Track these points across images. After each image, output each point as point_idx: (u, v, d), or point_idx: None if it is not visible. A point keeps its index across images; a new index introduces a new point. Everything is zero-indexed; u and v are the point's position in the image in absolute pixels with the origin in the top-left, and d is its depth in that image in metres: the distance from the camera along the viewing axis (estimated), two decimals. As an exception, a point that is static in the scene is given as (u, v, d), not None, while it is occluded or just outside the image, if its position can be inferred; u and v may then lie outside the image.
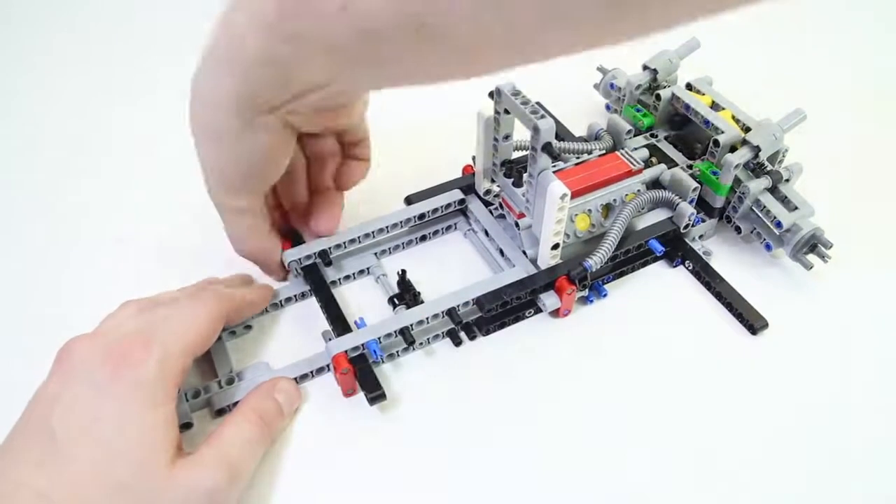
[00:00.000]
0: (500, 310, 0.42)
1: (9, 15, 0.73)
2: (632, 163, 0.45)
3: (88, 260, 0.48)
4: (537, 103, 0.39)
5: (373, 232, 0.45)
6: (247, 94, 0.32)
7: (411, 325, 0.40)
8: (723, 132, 0.46)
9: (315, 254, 0.43)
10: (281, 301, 0.44)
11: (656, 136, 0.52)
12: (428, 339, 0.42)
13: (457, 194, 0.47)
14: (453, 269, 0.46)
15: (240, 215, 0.40)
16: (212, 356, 0.41)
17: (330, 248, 0.44)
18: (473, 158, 0.48)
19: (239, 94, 0.32)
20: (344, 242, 0.44)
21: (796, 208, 0.45)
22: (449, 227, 0.49)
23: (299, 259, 0.43)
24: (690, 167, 0.49)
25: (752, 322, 0.43)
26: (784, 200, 0.45)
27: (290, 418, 0.38)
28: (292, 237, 0.45)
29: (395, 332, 0.40)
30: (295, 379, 0.39)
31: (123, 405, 0.31)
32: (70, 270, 0.47)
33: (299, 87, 0.32)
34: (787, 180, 0.46)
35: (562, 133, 0.53)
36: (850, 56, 0.67)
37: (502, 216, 0.46)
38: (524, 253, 0.44)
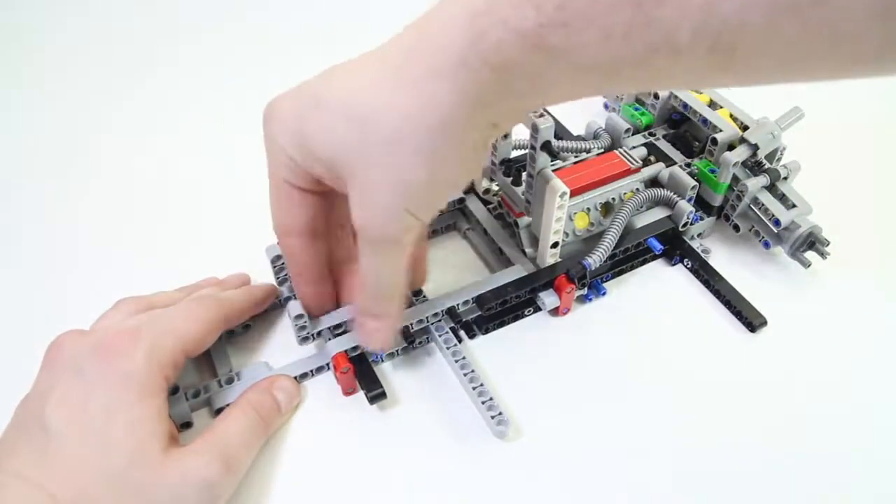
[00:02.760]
0: (499, 308, 0.42)
1: (9, 16, 0.73)
2: (630, 161, 0.45)
3: (87, 258, 0.48)
4: (536, 102, 0.39)
5: (372, 231, 0.45)
6: (477, 100, 0.27)
7: (411, 324, 0.40)
8: (721, 130, 0.47)
9: None
10: (280, 300, 0.44)
11: (654, 135, 0.52)
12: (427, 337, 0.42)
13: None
14: (452, 269, 0.46)
15: (404, 248, 0.32)
16: (211, 356, 0.40)
17: None
18: (472, 157, 0.48)
19: (469, 99, 0.27)
20: (343, 242, 0.44)
21: (794, 206, 0.45)
22: (448, 227, 0.49)
23: None
24: (689, 165, 0.49)
25: (750, 320, 0.43)
26: (782, 198, 0.46)
27: (289, 416, 0.39)
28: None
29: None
30: (295, 378, 0.39)
31: (112, 396, 0.31)
32: (69, 268, 0.47)
33: (533, 100, 0.28)
34: (785, 178, 0.46)
35: (560, 132, 0.53)
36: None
37: (501, 215, 0.46)
38: (523, 252, 0.44)
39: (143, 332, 0.33)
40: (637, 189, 0.45)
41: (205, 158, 0.56)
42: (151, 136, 0.58)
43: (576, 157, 0.47)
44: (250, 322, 0.43)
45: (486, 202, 0.47)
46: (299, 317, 0.37)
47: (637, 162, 0.46)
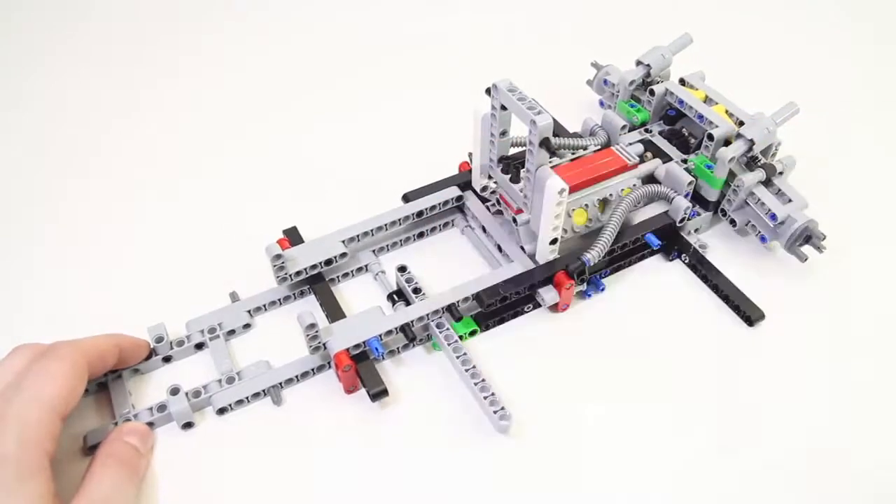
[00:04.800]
0: (499, 305, 0.42)
1: (14, 18, 0.73)
2: (627, 158, 0.46)
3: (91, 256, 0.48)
4: (532, 99, 0.39)
5: (371, 230, 0.45)
6: None
7: (412, 322, 0.40)
8: (717, 126, 0.47)
9: (321, 263, 0.43)
10: (280, 299, 0.44)
11: (650, 132, 0.52)
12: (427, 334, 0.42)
13: (454, 191, 0.47)
14: (452, 266, 0.46)
15: None
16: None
17: (335, 258, 0.44)
18: (470, 155, 0.48)
19: None
20: (343, 241, 0.44)
21: (790, 201, 0.45)
22: (447, 224, 0.49)
23: (306, 269, 0.43)
24: (685, 161, 0.49)
25: (748, 313, 0.43)
26: (778, 193, 0.46)
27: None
28: (290, 236, 0.45)
29: (396, 328, 0.40)
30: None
31: None
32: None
33: None
34: (781, 173, 0.47)
35: (557, 129, 0.53)
36: (842, 50, 0.68)
37: (499, 212, 0.46)
38: (522, 248, 0.44)
39: (8, 414, 0.32)
40: (634, 185, 0.46)
41: (200, 161, 0.56)
42: (151, 138, 0.58)
43: (573, 153, 0.47)
44: (250, 321, 0.43)
45: (484, 199, 0.47)
46: (311, 326, 0.37)
47: (634, 158, 0.46)
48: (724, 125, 0.47)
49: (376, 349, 0.39)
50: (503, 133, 0.42)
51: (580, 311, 0.44)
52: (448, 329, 0.41)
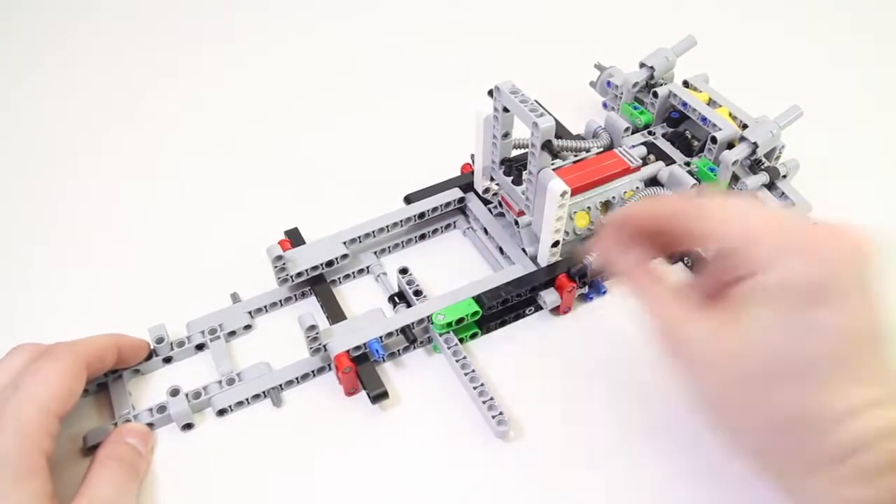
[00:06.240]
0: (500, 307, 0.42)
1: (14, 18, 0.73)
2: (630, 160, 0.45)
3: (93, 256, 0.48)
4: (535, 101, 0.39)
5: (373, 231, 0.45)
6: None
7: (412, 324, 0.40)
8: (720, 129, 0.47)
9: (322, 264, 0.43)
10: (281, 301, 0.44)
11: (653, 134, 0.52)
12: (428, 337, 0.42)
13: (456, 193, 0.47)
14: (453, 268, 0.46)
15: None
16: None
17: (336, 259, 0.43)
18: (472, 157, 0.48)
19: None
20: (344, 242, 0.44)
21: (793, 204, 0.45)
22: (448, 226, 0.49)
23: (307, 270, 0.43)
24: (688, 164, 0.49)
25: (751, 317, 0.43)
26: (781, 196, 0.46)
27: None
28: (292, 237, 0.45)
29: (397, 330, 0.40)
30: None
31: None
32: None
33: None
34: (784, 176, 0.47)
35: (559, 131, 0.53)
36: (845, 52, 0.68)
37: (501, 214, 0.46)
38: (524, 251, 0.44)
39: (6, 413, 0.32)
40: (637, 188, 0.46)
41: (200, 162, 0.56)
42: (151, 138, 0.58)
43: (575, 156, 0.47)
44: (251, 323, 0.43)
45: (486, 201, 0.47)
46: (311, 328, 0.37)
47: (636, 161, 0.46)
48: (728, 128, 0.47)
49: (377, 351, 0.39)
50: (505, 135, 0.42)
51: (581, 314, 0.44)
52: (448, 332, 0.40)
